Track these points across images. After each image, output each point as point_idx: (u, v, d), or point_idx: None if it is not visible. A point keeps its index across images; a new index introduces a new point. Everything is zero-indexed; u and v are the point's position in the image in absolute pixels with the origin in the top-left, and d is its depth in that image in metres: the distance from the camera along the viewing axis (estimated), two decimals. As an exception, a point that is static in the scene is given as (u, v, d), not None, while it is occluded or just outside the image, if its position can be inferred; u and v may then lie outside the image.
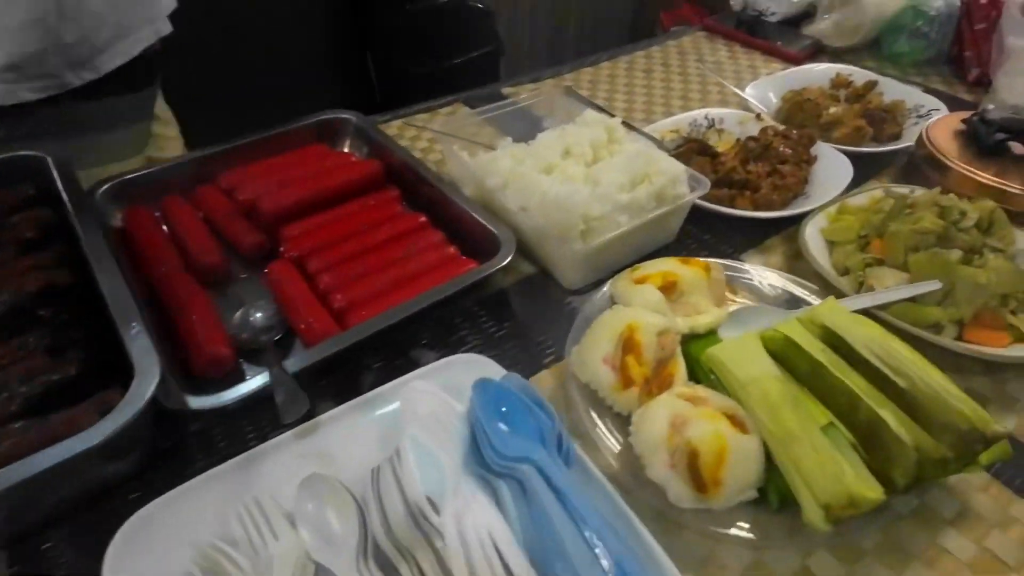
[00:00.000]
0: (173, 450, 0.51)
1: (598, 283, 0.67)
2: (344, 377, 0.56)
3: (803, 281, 0.64)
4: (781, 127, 0.84)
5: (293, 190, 0.70)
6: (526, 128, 0.87)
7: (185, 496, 0.43)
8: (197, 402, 0.46)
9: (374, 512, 0.41)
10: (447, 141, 0.76)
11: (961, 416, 0.42)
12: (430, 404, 0.46)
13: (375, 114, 1.01)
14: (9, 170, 0.66)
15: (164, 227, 0.70)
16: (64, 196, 0.62)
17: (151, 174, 0.73)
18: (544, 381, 0.57)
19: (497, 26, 2.20)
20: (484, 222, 0.65)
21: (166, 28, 0.81)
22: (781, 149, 0.78)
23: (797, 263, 0.69)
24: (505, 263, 0.61)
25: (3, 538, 0.43)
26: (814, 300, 0.61)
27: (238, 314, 0.60)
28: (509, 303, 0.67)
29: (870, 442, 0.43)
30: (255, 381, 0.49)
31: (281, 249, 0.66)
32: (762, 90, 1.00)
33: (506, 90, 1.05)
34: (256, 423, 0.52)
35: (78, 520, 0.46)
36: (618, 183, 0.63)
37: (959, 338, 0.57)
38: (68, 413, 0.42)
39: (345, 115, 0.85)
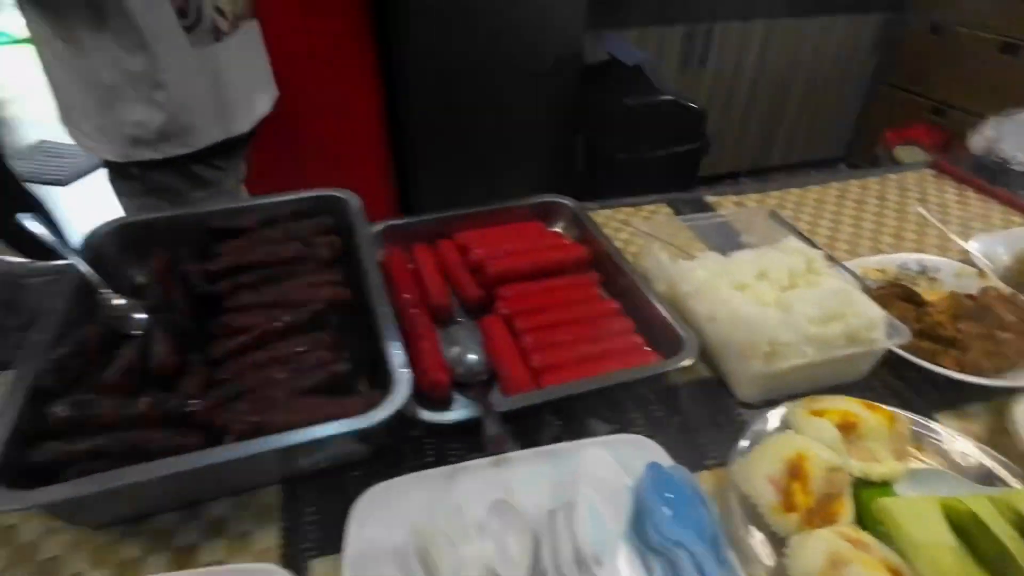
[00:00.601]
0: (393, 446, 0.64)
1: (771, 402, 0.70)
2: (528, 426, 0.66)
3: (1004, 459, 0.60)
4: (1008, 290, 0.79)
5: (514, 258, 0.84)
6: (722, 239, 0.93)
7: (406, 484, 0.55)
8: (427, 415, 0.59)
9: (547, 548, 0.49)
10: (650, 241, 0.86)
11: None
12: (605, 471, 0.54)
13: (573, 192, 1.14)
14: (316, 204, 0.89)
15: (411, 267, 0.88)
16: (356, 230, 0.82)
17: (408, 223, 0.92)
18: (704, 480, 0.62)
19: (706, 125, 2.30)
20: (672, 323, 0.72)
21: (238, 128, 1.10)
22: (1004, 316, 0.74)
23: (1001, 439, 0.65)
24: (686, 364, 0.67)
25: (279, 477, 0.59)
26: (1015, 483, 0.58)
27: (455, 351, 0.73)
28: (678, 399, 0.73)
29: (1053, 650, 0.41)
30: (466, 411, 0.61)
31: (496, 305, 0.80)
32: (991, 244, 0.95)
33: (709, 198, 1.13)
34: (462, 443, 0.63)
35: (329, 479, 0.60)
36: (810, 315, 0.66)
37: None
38: (344, 401, 0.57)
39: (563, 200, 0.99)
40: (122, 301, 0.71)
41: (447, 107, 2.15)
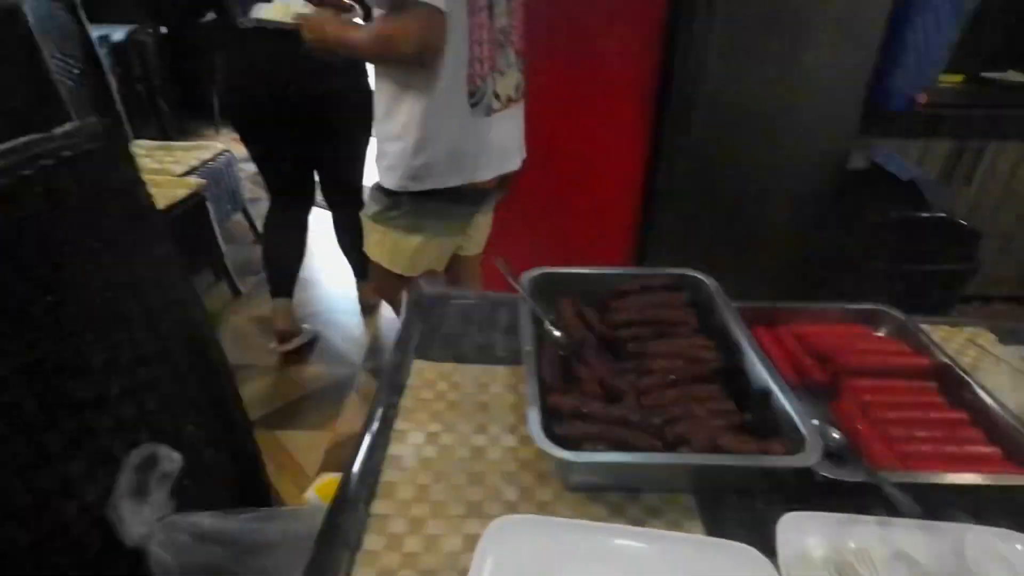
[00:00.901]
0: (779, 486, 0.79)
1: None
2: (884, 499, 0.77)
3: None
4: None
5: (860, 356, 0.97)
6: (1063, 374, 0.96)
7: (813, 517, 0.70)
8: (828, 472, 0.74)
9: (959, 601, 0.61)
10: (999, 362, 0.93)
11: None
12: (1004, 554, 0.64)
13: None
14: (679, 280, 1.11)
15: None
16: (719, 306, 1.02)
17: (749, 307, 1.10)
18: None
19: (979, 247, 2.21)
20: (1038, 442, 0.79)
21: (480, 176, 1.46)
22: None
23: None
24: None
25: (694, 487, 0.78)
26: None
27: (815, 423, 0.87)
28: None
29: None
30: (843, 474, 0.75)
31: (844, 393, 0.93)
32: None
33: (1037, 330, 1.15)
34: (830, 499, 0.76)
35: (723, 499, 0.78)
36: None
37: None
38: (764, 443, 0.75)
39: (890, 310, 1.09)
40: (558, 332, 0.98)
41: (701, 198, 2.36)
